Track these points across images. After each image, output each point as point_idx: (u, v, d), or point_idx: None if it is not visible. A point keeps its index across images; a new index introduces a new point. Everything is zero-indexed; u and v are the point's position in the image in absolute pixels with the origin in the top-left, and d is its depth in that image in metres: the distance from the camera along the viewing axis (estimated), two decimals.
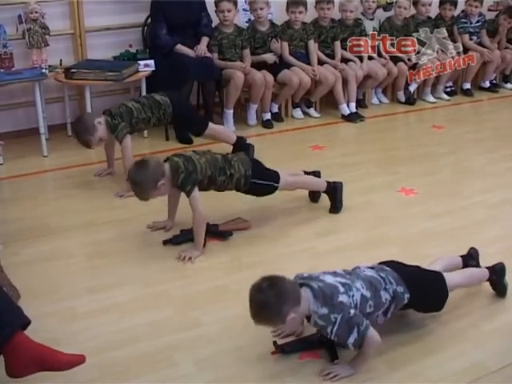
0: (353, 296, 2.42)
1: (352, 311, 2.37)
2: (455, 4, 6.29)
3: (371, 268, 2.63)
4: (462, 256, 3.04)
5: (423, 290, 2.64)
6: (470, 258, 3.03)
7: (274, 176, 3.59)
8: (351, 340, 2.36)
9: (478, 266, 3.02)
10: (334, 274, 2.52)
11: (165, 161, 3.33)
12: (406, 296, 2.56)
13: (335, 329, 2.36)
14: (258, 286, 2.34)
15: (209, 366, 2.52)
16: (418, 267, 2.75)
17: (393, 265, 2.66)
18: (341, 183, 3.86)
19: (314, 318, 2.38)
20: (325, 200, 3.87)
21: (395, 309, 2.58)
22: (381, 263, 2.71)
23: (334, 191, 3.83)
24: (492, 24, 6.63)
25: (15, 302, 2.55)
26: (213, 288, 3.06)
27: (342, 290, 2.41)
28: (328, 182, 3.84)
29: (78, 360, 2.31)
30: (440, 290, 2.69)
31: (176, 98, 4.42)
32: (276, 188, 3.59)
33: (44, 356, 2.26)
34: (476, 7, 6.36)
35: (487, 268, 2.95)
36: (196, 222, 3.30)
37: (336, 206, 3.83)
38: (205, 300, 2.96)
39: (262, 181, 3.53)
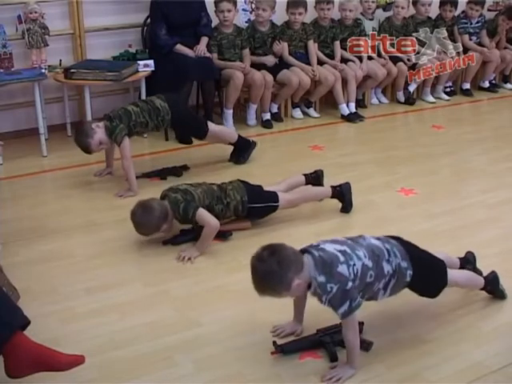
0: (354, 265, 2.38)
1: (350, 284, 2.35)
2: (456, 5, 6.29)
3: (377, 238, 2.59)
4: (459, 258, 3.03)
5: (426, 272, 2.61)
6: (467, 262, 3.02)
7: (271, 196, 3.62)
8: (342, 310, 2.35)
9: (474, 269, 3.00)
10: (336, 242, 2.49)
11: (162, 198, 3.40)
12: (409, 273, 2.52)
13: (329, 297, 2.34)
14: (259, 255, 2.32)
15: (208, 366, 2.52)
16: (424, 250, 2.72)
17: (401, 239, 2.63)
18: (348, 184, 3.83)
19: (314, 286, 2.36)
20: (326, 200, 3.87)
21: (395, 285, 2.52)
22: (388, 236, 2.66)
23: (342, 195, 3.82)
24: (491, 24, 6.64)
25: (15, 303, 2.55)
26: (212, 288, 3.06)
27: (341, 259, 2.37)
28: (333, 187, 3.82)
29: (78, 360, 2.31)
30: (441, 277, 2.67)
31: (175, 103, 4.35)
32: (276, 207, 3.62)
33: (44, 356, 2.27)
34: (477, 11, 6.37)
35: (479, 273, 2.95)
36: (207, 232, 3.33)
37: (346, 207, 3.83)
38: (204, 300, 2.96)
39: (259, 204, 3.57)
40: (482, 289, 2.92)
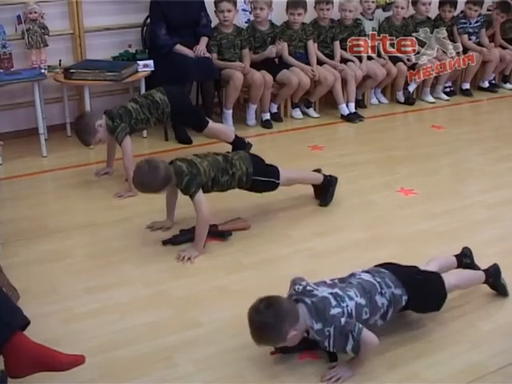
0: (346, 306, 2.43)
1: (343, 320, 2.39)
2: (455, 5, 6.29)
3: (367, 272, 2.63)
4: (456, 255, 3.05)
5: (422, 292, 2.65)
6: (464, 256, 3.04)
7: (274, 172, 3.63)
8: (349, 347, 2.38)
9: (472, 263, 3.03)
10: (327, 284, 2.54)
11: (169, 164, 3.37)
12: (404, 298, 2.57)
13: (331, 341, 2.38)
14: (256, 307, 2.36)
15: (208, 366, 2.52)
16: (416, 267, 2.75)
17: (390, 267, 2.67)
18: (336, 177, 3.91)
19: (312, 333, 2.41)
20: None
21: (394, 312, 2.58)
22: (377, 266, 2.71)
23: (329, 185, 3.89)
24: (487, 18, 6.62)
25: (15, 303, 2.55)
26: (212, 288, 3.06)
27: (333, 303, 2.42)
28: (324, 176, 3.90)
29: (78, 360, 2.31)
30: (438, 291, 2.70)
31: (175, 94, 4.39)
32: (277, 184, 3.63)
33: (44, 356, 2.27)
34: (476, 11, 6.37)
35: (483, 271, 2.96)
36: (199, 223, 3.31)
37: (326, 200, 3.89)
38: (204, 300, 2.96)
39: (263, 177, 3.57)
40: (484, 282, 2.93)
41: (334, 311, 2.40)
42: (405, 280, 2.59)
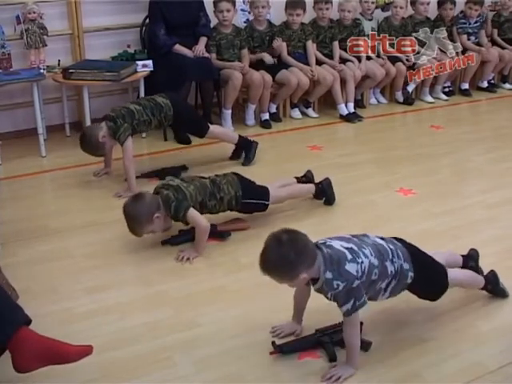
0: (362, 263, 2.37)
1: (356, 282, 2.34)
2: (455, 2, 6.29)
3: (381, 238, 2.59)
4: (462, 255, 3.04)
5: (427, 275, 2.62)
6: (470, 259, 3.03)
7: (264, 194, 3.63)
8: (345, 307, 2.35)
9: (477, 267, 3.01)
10: (342, 239, 2.48)
11: (155, 194, 3.37)
12: (410, 275, 2.52)
13: (334, 293, 2.34)
14: (278, 237, 2.28)
15: (207, 366, 2.52)
16: (426, 253, 2.73)
17: (404, 241, 2.64)
18: (328, 179, 3.91)
19: (321, 281, 2.34)
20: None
21: (396, 286, 2.53)
22: (392, 238, 2.66)
23: (324, 191, 3.89)
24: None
25: (16, 302, 2.54)
26: (211, 288, 3.06)
27: (349, 257, 2.37)
28: (316, 184, 3.90)
29: (86, 350, 2.30)
30: (441, 282, 2.68)
31: (177, 99, 4.44)
32: (267, 206, 3.65)
33: (52, 348, 2.25)
34: (476, 10, 6.37)
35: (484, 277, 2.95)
36: (199, 233, 3.33)
37: (328, 200, 3.91)
38: (203, 300, 2.96)
39: (252, 200, 3.58)
40: (482, 288, 2.92)
41: (349, 267, 2.34)
42: (415, 258, 2.55)
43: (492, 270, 2.96)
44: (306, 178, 4.00)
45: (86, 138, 4.08)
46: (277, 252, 2.27)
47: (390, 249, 2.52)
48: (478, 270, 2.99)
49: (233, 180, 3.56)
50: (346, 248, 2.41)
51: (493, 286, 2.93)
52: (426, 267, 2.62)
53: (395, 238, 2.65)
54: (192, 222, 3.34)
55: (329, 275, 2.33)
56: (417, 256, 2.58)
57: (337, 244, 2.42)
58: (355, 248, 2.42)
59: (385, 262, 2.46)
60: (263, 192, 3.64)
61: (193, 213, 3.31)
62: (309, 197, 3.96)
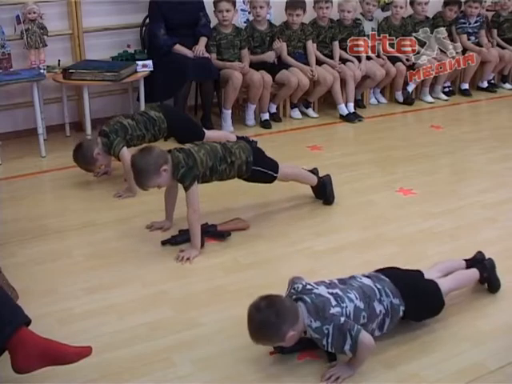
0: (346, 307, 2.43)
1: (342, 319, 2.38)
2: (459, 5, 6.29)
3: (368, 277, 2.62)
4: (466, 260, 3.03)
5: (420, 303, 2.64)
6: (476, 262, 3.01)
7: (273, 165, 3.64)
8: (347, 347, 2.37)
9: (483, 269, 2.97)
10: (327, 284, 2.53)
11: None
12: (402, 309, 2.56)
13: (330, 339, 2.37)
14: (257, 305, 2.35)
15: (207, 366, 2.52)
16: (418, 273, 2.74)
17: (391, 273, 2.66)
18: (328, 176, 3.92)
19: (309, 332, 2.40)
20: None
21: (391, 323, 2.57)
22: (379, 270, 2.70)
23: (324, 186, 3.89)
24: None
25: (15, 302, 2.54)
26: (211, 288, 3.06)
27: (334, 302, 2.42)
28: (319, 179, 3.90)
29: (85, 351, 2.31)
30: (436, 302, 2.70)
31: (170, 111, 4.42)
32: (275, 178, 3.64)
33: (51, 349, 2.25)
34: (476, 8, 6.38)
35: (477, 267, 2.95)
36: (190, 217, 3.30)
37: (328, 198, 3.90)
38: (203, 300, 2.95)
39: (262, 168, 3.58)
40: (480, 280, 2.94)
41: (334, 310, 2.40)
42: (404, 290, 2.58)
43: (490, 258, 2.99)
44: (312, 173, 3.98)
45: (82, 150, 4.08)
46: (258, 319, 2.33)
47: (378, 288, 2.55)
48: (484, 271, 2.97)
49: (245, 146, 3.55)
50: (331, 294, 2.46)
51: (489, 274, 2.94)
52: (417, 295, 2.64)
53: (382, 270, 2.68)
54: (188, 198, 3.30)
55: (317, 324, 2.38)
56: (406, 287, 2.60)
57: (322, 290, 2.46)
58: (340, 293, 2.47)
59: (372, 302, 2.50)
60: (273, 164, 3.64)
61: (194, 190, 3.29)
62: (309, 196, 3.96)
